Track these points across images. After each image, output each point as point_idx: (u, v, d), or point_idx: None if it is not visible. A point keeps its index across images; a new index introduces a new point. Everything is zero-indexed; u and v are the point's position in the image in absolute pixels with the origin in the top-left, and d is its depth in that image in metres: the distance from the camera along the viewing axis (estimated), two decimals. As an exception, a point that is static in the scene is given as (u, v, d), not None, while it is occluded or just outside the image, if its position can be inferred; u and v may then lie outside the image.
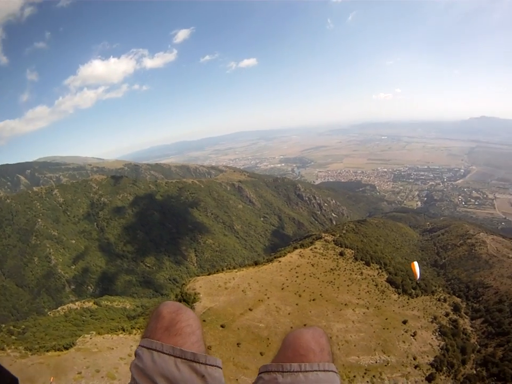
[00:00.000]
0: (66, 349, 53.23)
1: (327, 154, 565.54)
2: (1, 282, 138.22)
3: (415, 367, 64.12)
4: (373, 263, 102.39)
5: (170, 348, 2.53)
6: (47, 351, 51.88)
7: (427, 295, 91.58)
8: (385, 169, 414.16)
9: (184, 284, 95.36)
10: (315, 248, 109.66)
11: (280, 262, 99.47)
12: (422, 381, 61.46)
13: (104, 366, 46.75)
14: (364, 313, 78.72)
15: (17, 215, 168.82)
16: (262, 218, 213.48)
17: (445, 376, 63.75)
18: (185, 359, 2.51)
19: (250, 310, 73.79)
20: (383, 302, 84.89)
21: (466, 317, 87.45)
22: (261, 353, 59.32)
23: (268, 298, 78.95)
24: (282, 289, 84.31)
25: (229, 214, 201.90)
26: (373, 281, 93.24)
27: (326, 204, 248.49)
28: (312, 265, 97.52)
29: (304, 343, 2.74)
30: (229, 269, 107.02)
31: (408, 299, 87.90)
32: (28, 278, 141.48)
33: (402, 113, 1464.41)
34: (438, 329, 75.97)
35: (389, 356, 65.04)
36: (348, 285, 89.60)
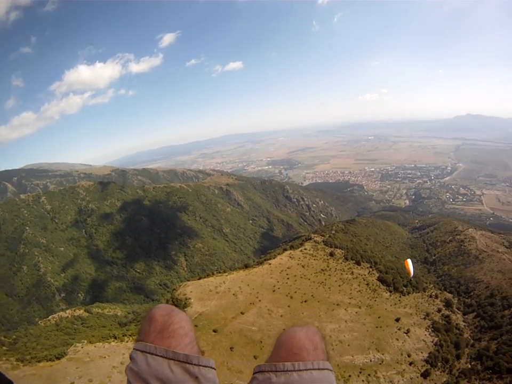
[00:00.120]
0: (58, 358, 53.00)
1: (314, 155, 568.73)
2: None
3: (410, 364, 64.39)
4: (363, 262, 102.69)
5: (163, 350, 2.59)
6: (39, 361, 51.65)
7: (418, 292, 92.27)
8: (373, 169, 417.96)
9: (174, 289, 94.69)
10: (305, 249, 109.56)
11: (270, 264, 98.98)
12: (418, 377, 61.71)
13: (97, 375, 46.34)
14: (356, 312, 78.77)
15: (4, 223, 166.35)
16: (250, 221, 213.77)
17: (440, 372, 64.14)
18: (178, 361, 2.56)
19: (242, 313, 73.25)
20: (375, 300, 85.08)
21: (459, 312, 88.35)
22: (255, 357, 58.82)
23: (260, 301, 78.50)
24: (273, 291, 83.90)
25: (217, 218, 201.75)
26: (364, 280, 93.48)
27: (314, 205, 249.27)
28: (303, 267, 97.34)
29: (297, 342, 2.75)
30: (219, 272, 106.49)
31: (400, 297, 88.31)
32: (17, 287, 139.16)
33: (388, 113, 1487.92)
34: (431, 326, 76.47)
35: (383, 354, 65.11)
36: (339, 285, 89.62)
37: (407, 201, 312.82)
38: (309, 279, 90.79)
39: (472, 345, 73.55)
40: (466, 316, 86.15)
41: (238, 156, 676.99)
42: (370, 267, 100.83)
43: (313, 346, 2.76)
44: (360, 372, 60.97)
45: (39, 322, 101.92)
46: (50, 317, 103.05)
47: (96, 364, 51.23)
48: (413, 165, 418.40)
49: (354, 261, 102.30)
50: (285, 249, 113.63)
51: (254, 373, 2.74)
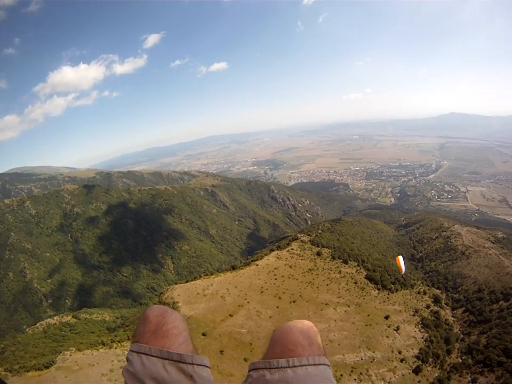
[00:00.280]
0: (47, 367, 52.96)
1: (299, 155, 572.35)
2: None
3: (401, 360, 64.73)
4: (350, 261, 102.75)
5: (157, 350, 2.66)
6: (28, 371, 51.78)
7: (407, 289, 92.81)
8: (358, 168, 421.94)
9: (162, 292, 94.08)
10: (292, 249, 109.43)
11: (257, 265, 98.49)
12: (409, 373, 62.08)
13: (86, 384, 45.61)
14: (345, 311, 78.87)
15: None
16: (237, 222, 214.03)
17: (432, 367, 64.69)
18: (173, 360, 2.63)
19: (230, 315, 72.65)
20: (364, 298, 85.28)
21: (447, 307, 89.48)
22: (245, 359, 58.35)
23: (248, 302, 77.98)
24: (261, 292, 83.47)
25: (203, 219, 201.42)
26: (352, 279, 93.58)
27: (300, 205, 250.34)
28: (290, 267, 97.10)
29: (291, 337, 2.78)
30: (207, 275, 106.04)
31: (388, 294, 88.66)
32: (4, 295, 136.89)
33: (372, 113, 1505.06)
34: (421, 322, 77.04)
35: (374, 352, 65.27)
36: (327, 284, 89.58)
37: (392, 199, 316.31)
38: (297, 279, 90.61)
39: (462, 339, 74.71)
40: (455, 311, 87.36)
41: (223, 157, 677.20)
42: (358, 265, 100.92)
43: (308, 342, 2.78)
44: (351, 371, 61.01)
45: (27, 330, 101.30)
46: (38, 324, 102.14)
47: (85, 372, 50.94)
48: (397, 164, 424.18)
49: (341, 260, 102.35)
50: (272, 250, 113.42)
51: (248, 371, 2.76)
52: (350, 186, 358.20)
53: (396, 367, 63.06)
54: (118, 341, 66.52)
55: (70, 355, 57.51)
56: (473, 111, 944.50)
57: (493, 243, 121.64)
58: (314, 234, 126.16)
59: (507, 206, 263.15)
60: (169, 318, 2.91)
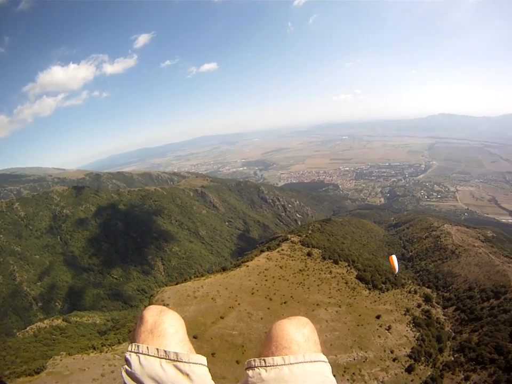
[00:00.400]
0: (38, 373, 53.17)
1: (289, 156, 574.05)
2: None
3: (394, 360, 64.87)
4: (341, 261, 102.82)
5: (154, 349, 2.71)
6: (18, 377, 51.96)
7: (397, 288, 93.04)
8: (347, 168, 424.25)
9: (152, 295, 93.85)
10: (282, 250, 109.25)
11: (248, 266, 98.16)
12: (402, 373, 62.27)
13: (77, 389, 45.77)
14: (336, 311, 78.85)
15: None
16: (226, 223, 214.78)
17: (424, 366, 65.00)
18: (169, 359, 2.68)
19: (221, 318, 72.17)
20: (355, 299, 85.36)
21: (438, 306, 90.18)
22: (237, 362, 57.97)
23: (239, 304, 77.54)
24: (252, 294, 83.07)
25: (193, 220, 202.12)
26: (342, 279, 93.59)
27: (290, 205, 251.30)
28: (281, 268, 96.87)
29: (287, 334, 2.82)
30: (197, 276, 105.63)
31: (379, 294, 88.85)
32: None
33: (362, 114, 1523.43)
34: (412, 321, 77.29)
35: (366, 352, 65.30)
36: (318, 285, 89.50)
37: (382, 199, 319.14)
38: (288, 280, 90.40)
39: (453, 338, 75.38)
40: (446, 310, 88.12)
41: (213, 158, 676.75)
42: (348, 265, 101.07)
43: (304, 338, 2.81)
44: (344, 371, 60.94)
45: (17, 334, 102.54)
46: (28, 328, 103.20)
47: (75, 377, 50.90)
48: (387, 164, 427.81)
49: (332, 260, 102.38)
50: (262, 251, 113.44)
51: (245, 369, 2.78)
52: (340, 186, 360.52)
53: (388, 366, 63.20)
54: (109, 345, 66.92)
55: (61, 360, 57.43)
56: (462, 112, 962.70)
57: (483, 242, 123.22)
58: (305, 235, 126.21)
59: (496, 205, 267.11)
60: (165, 317, 2.96)
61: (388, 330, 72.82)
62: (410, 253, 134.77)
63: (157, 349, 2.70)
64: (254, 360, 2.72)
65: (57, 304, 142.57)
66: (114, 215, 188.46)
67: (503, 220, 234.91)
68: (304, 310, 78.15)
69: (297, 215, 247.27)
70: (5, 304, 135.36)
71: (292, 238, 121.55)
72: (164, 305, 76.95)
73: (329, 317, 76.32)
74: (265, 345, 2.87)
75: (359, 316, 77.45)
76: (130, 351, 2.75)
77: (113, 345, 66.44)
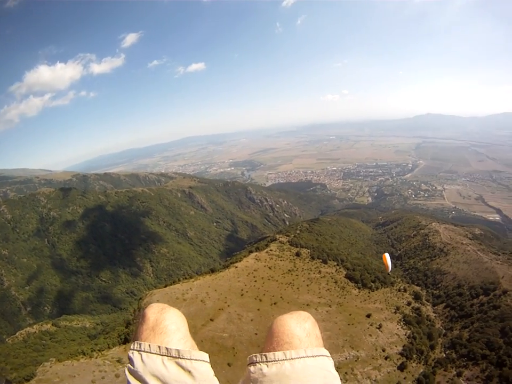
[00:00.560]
0: (27, 380, 53.21)
1: (276, 156, 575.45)
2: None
3: (386, 358, 64.96)
4: (330, 260, 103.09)
5: (156, 347, 2.71)
6: None
7: (387, 286, 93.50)
8: (335, 168, 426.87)
9: (141, 298, 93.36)
10: (271, 250, 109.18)
11: (236, 267, 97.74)
12: (394, 370, 62.40)
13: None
14: (327, 311, 78.77)
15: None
16: (215, 224, 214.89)
17: (416, 363, 65.31)
18: (171, 356, 2.67)
19: (211, 320, 71.45)
20: (345, 298, 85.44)
21: (428, 304, 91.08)
22: (229, 364, 57.44)
23: (228, 306, 76.98)
24: (241, 295, 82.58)
25: (181, 221, 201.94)
26: (332, 278, 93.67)
27: (278, 205, 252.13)
28: (270, 268, 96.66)
29: (288, 329, 2.80)
30: (186, 278, 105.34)
31: (369, 293, 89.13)
32: None
33: (349, 114, 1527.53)
34: (402, 319, 77.56)
35: (358, 351, 65.27)
36: (307, 285, 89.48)
37: (369, 199, 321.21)
38: (277, 281, 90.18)
39: (444, 334, 76.14)
40: (436, 307, 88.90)
41: (200, 158, 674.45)
42: (337, 265, 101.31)
43: (305, 333, 2.79)
44: (336, 371, 60.66)
45: (7, 339, 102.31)
46: (17, 333, 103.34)
47: None
48: (374, 163, 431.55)
49: (321, 260, 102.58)
50: (251, 251, 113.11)
51: (247, 365, 2.81)
52: (327, 186, 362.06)
53: (380, 365, 63.26)
54: (99, 350, 66.43)
55: (50, 366, 56.98)
56: (449, 112, 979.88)
57: (471, 239, 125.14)
58: (293, 235, 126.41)
59: (483, 203, 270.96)
60: (167, 314, 2.96)
61: (378, 328, 72.92)
62: (399, 252, 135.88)
63: (159, 347, 2.69)
64: (256, 355, 2.73)
65: (46, 308, 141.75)
66: (101, 217, 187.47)
67: (490, 218, 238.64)
68: (295, 310, 77.30)
69: (285, 215, 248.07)
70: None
71: (280, 238, 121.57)
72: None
73: (320, 317, 75.96)
74: (266, 341, 2.86)
75: (350, 315, 77.42)
76: (133, 349, 2.76)
77: (102, 350, 66.02)
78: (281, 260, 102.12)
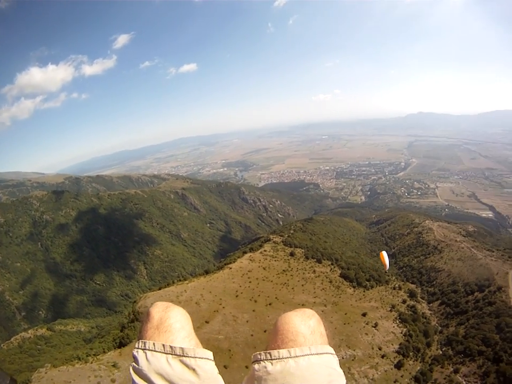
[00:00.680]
0: None
1: (269, 156, 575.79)
2: None
3: (382, 356, 65.02)
4: (324, 260, 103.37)
5: (161, 345, 2.73)
6: None
7: (382, 285, 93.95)
8: (328, 167, 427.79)
9: (135, 301, 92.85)
10: (265, 251, 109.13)
11: (231, 268, 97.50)
12: (392, 369, 62.48)
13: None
14: (322, 311, 78.44)
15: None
16: (208, 225, 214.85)
17: (413, 361, 65.51)
18: (175, 355, 2.69)
19: (206, 322, 71.06)
20: (340, 297, 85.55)
21: (423, 301, 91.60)
22: (225, 367, 56.93)
23: (223, 307, 76.63)
24: (236, 296, 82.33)
25: (174, 223, 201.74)
26: (326, 278, 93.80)
27: (271, 205, 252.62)
28: (264, 269, 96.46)
29: (292, 327, 2.79)
30: (180, 280, 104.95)
31: (364, 291, 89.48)
32: None
33: (341, 113, 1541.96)
34: (398, 317, 77.76)
35: (354, 350, 65.22)
36: (302, 285, 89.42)
37: (363, 197, 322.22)
38: (272, 281, 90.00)
39: (440, 332, 76.69)
40: (431, 304, 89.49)
41: (193, 159, 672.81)
42: (332, 264, 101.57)
43: (309, 331, 2.79)
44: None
45: (2, 345, 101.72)
46: (12, 339, 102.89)
47: None
48: (367, 162, 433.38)
49: (315, 259, 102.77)
50: (245, 252, 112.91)
51: (251, 363, 2.79)
52: (320, 185, 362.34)
53: (377, 363, 63.29)
54: (94, 355, 66.03)
55: (46, 372, 56.76)
56: (441, 111, 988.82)
57: (465, 237, 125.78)
58: (287, 235, 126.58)
59: (476, 200, 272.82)
60: (171, 312, 2.98)
61: (374, 327, 73.00)
62: (393, 250, 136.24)
63: (163, 345, 2.71)
64: (260, 353, 2.72)
65: (40, 312, 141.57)
66: (95, 220, 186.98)
67: (483, 215, 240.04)
68: (289, 310, 77.52)
69: (279, 215, 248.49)
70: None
71: (274, 239, 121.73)
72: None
73: (315, 316, 75.96)
74: (271, 338, 2.85)
75: (345, 314, 77.40)
76: (137, 348, 2.79)
77: (98, 355, 65.55)
78: (275, 260, 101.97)
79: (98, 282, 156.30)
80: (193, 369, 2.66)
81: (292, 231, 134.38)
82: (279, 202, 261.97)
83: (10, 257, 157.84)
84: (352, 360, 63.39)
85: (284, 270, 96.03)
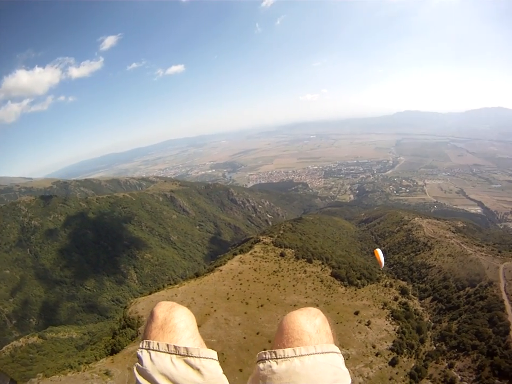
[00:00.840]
0: None
1: (257, 156, 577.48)
2: None
3: (376, 355, 64.97)
4: (315, 259, 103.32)
5: (165, 345, 2.74)
6: None
7: (373, 283, 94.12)
8: (316, 167, 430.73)
9: (126, 307, 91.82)
10: (255, 252, 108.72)
11: (221, 270, 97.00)
12: (386, 366, 62.45)
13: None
14: (314, 310, 78.52)
15: None
16: (197, 227, 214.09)
17: (407, 358, 65.57)
18: (180, 355, 2.70)
19: (198, 326, 67.43)
20: (331, 296, 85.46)
21: (415, 298, 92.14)
22: (219, 370, 56.66)
23: (215, 311, 75.98)
24: (228, 299, 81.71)
25: (164, 226, 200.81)
26: (317, 277, 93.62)
27: (260, 206, 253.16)
28: (255, 270, 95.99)
29: (298, 326, 2.79)
30: (170, 284, 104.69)
31: (356, 290, 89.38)
32: None
33: (329, 113, 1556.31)
34: (391, 314, 77.87)
35: (348, 349, 65.08)
36: (293, 285, 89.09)
37: (351, 196, 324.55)
38: (263, 282, 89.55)
39: (433, 327, 77.03)
40: (423, 301, 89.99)
41: (181, 161, 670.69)
42: (323, 264, 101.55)
43: (315, 329, 2.79)
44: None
45: None
46: (4, 348, 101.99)
47: None
48: (355, 161, 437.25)
49: (305, 259, 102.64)
50: (235, 254, 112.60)
51: (256, 362, 2.79)
52: (309, 185, 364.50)
53: (372, 361, 63.25)
54: (86, 362, 65.35)
55: (38, 382, 56.71)
56: (429, 109, 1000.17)
57: (454, 233, 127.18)
58: (277, 235, 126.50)
59: (464, 196, 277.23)
60: (176, 312, 3.00)
61: (367, 325, 73.06)
62: (383, 247, 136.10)
63: (167, 345, 2.72)
64: (265, 352, 2.71)
65: (31, 320, 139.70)
66: (83, 224, 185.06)
67: (472, 211, 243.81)
68: (282, 312, 77.14)
69: (268, 215, 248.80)
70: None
71: (264, 239, 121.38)
72: (138, 317, 76.36)
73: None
74: (276, 338, 2.83)
75: (338, 313, 77.19)
76: (142, 348, 2.79)
77: (90, 363, 64.76)
78: (266, 261, 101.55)
79: (88, 287, 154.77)
80: (198, 369, 2.65)
81: (281, 232, 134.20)
82: (268, 202, 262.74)
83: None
84: (346, 359, 63.05)
85: (274, 271, 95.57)
